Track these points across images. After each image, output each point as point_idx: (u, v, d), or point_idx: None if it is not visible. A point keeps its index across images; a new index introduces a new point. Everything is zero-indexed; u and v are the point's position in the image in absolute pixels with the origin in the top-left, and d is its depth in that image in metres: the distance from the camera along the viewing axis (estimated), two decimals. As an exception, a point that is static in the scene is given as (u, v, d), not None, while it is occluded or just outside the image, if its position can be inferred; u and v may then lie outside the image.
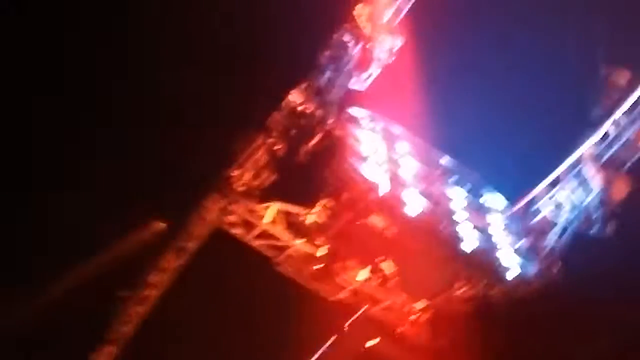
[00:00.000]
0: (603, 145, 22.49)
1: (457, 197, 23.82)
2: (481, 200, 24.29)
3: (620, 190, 22.28)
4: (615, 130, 22.36)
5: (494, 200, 24.36)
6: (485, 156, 24.61)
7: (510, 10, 25.00)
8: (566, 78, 24.60)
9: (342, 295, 24.18)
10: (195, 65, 25.32)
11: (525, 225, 23.47)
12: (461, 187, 24.15)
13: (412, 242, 22.55)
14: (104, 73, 25.59)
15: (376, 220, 22.52)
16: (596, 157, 22.46)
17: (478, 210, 23.81)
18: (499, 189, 24.30)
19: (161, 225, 24.42)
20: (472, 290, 23.02)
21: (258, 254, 23.90)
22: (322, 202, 23.12)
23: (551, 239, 22.84)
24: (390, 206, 22.02)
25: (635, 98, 22.09)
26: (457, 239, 22.62)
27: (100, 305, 24.24)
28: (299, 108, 22.70)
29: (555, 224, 22.92)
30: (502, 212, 24.00)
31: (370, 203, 22.11)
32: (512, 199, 23.85)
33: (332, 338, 24.69)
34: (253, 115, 23.01)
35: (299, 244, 23.61)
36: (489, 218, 23.76)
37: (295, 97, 22.79)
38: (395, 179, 22.80)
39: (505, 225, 23.64)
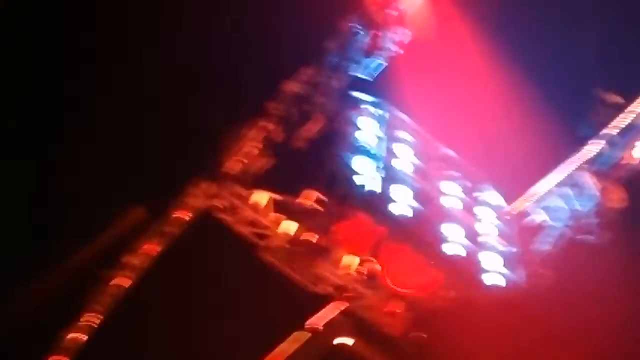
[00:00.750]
0: (601, 153, 22.67)
1: (452, 193, 23.38)
2: (478, 198, 23.82)
3: (616, 199, 22.48)
4: (609, 145, 22.57)
5: (490, 198, 23.98)
6: (487, 155, 24.16)
7: (524, 15, 24.85)
8: (563, 89, 24.67)
9: (325, 288, 23.64)
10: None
11: (517, 228, 23.32)
12: (458, 183, 23.68)
13: (397, 240, 22.21)
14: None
15: (362, 217, 22.27)
16: (594, 164, 22.65)
17: (471, 210, 23.46)
18: (497, 189, 23.98)
19: (143, 210, 23.47)
20: (451, 293, 22.88)
21: (244, 240, 23.13)
22: (312, 193, 22.73)
23: (543, 244, 22.80)
24: (376, 204, 21.50)
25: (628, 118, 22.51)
26: (442, 240, 22.28)
27: (79, 292, 23.06)
28: (301, 93, 22.08)
29: (548, 229, 22.90)
30: (496, 212, 23.67)
31: (357, 200, 21.69)
32: (509, 200, 23.69)
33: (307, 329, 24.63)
34: (249, 99, 22.38)
35: (286, 234, 22.93)
36: (482, 218, 23.43)
37: (297, 81, 22.18)
38: (387, 174, 22.35)
39: (497, 226, 23.36)
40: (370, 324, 24.11)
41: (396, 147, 22.97)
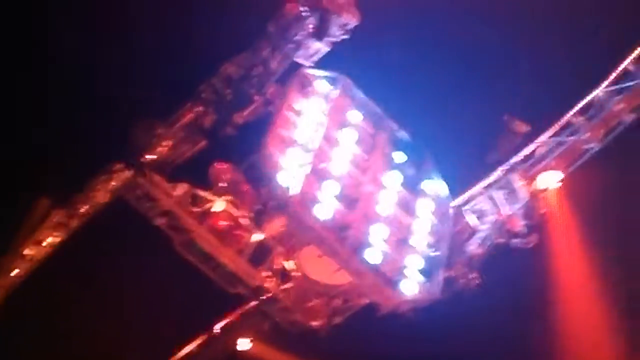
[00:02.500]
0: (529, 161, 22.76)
1: (392, 186, 22.34)
2: (420, 189, 22.86)
3: (543, 204, 22.46)
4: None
5: (434, 188, 23.00)
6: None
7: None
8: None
9: (239, 288, 22.50)
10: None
11: (451, 226, 22.66)
12: (402, 171, 22.65)
13: (316, 245, 21.26)
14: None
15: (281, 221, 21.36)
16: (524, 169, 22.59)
17: (408, 205, 22.52)
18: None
19: (48, 198, 21.84)
20: (363, 300, 22.12)
21: (160, 233, 21.75)
22: (231, 191, 21.64)
23: (471, 246, 22.41)
24: (296, 209, 20.52)
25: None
26: (362, 245, 21.35)
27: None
28: (237, 75, 21.00)
29: (477, 231, 22.53)
30: (436, 205, 22.75)
31: (276, 204, 20.87)
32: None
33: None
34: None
35: (203, 231, 21.67)
36: (419, 213, 22.51)
37: (234, 63, 21.13)
38: (316, 169, 21.30)
39: (431, 223, 22.55)
40: (284, 324, 23.03)
41: (339, 133, 22.02)
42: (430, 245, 22.26)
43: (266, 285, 22.26)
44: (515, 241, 22.67)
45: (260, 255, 22.00)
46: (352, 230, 21.08)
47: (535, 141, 23.47)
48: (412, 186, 22.78)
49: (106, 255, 23.70)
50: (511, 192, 22.69)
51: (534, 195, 22.72)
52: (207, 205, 21.78)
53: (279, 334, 23.63)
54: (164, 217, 21.67)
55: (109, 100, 22.78)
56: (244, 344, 24.49)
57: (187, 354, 24.67)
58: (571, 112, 23.27)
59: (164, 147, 21.27)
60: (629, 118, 23.00)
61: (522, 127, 23.38)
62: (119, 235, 22.99)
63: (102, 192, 21.62)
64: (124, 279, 24.01)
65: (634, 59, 22.77)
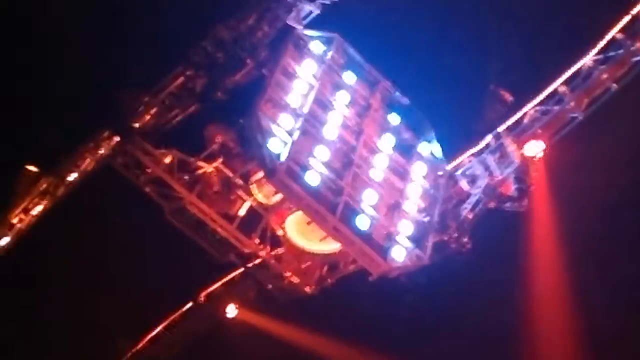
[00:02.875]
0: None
1: (386, 150, 22.12)
2: (415, 152, 22.68)
3: (535, 169, 22.53)
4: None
5: (430, 151, 22.86)
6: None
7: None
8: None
9: (230, 256, 22.46)
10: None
11: (444, 190, 22.57)
12: (397, 135, 22.43)
13: (304, 212, 21.12)
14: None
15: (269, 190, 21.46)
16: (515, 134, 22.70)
17: (401, 170, 22.27)
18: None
19: (34, 167, 21.62)
20: (350, 267, 22.06)
21: (148, 200, 21.63)
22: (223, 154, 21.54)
23: (463, 210, 22.41)
24: (282, 178, 20.18)
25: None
26: (354, 213, 21.22)
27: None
28: (229, 38, 20.77)
29: (468, 196, 22.53)
30: (430, 169, 22.58)
31: (264, 172, 20.54)
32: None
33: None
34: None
35: (193, 198, 21.56)
36: (412, 177, 22.34)
37: (226, 26, 20.88)
38: (308, 136, 21.02)
39: (423, 188, 22.42)
40: (275, 291, 23.01)
41: (332, 96, 21.76)
42: (421, 210, 22.15)
43: (257, 252, 22.22)
44: (507, 205, 22.65)
45: (251, 222, 21.90)
46: (342, 197, 20.90)
47: (522, 110, 23.44)
48: (406, 149, 22.66)
49: (93, 223, 23.39)
50: (503, 156, 22.63)
51: (525, 160, 22.67)
52: (198, 172, 21.66)
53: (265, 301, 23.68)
54: (153, 185, 21.59)
55: (96, 67, 22.40)
56: (230, 311, 24.57)
57: (172, 322, 24.73)
58: (557, 82, 23.28)
59: (152, 113, 21.07)
60: (612, 88, 22.99)
61: (507, 97, 23.42)
62: (106, 203, 22.65)
63: (90, 160, 21.44)
64: (111, 247, 23.74)
65: (621, 28, 22.75)
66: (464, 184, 22.75)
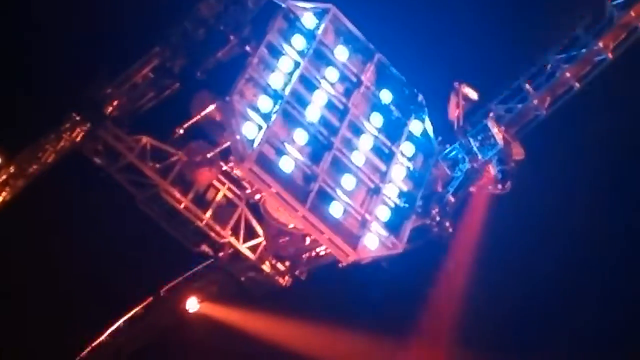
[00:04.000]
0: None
1: (372, 131, 21.61)
2: (404, 131, 22.12)
3: (517, 152, 22.68)
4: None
5: (420, 128, 22.38)
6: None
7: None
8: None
9: (203, 246, 22.08)
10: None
11: (426, 175, 22.18)
12: (386, 115, 21.94)
13: (274, 199, 20.81)
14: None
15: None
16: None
17: (386, 151, 21.75)
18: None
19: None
20: (329, 254, 21.66)
21: (120, 188, 21.09)
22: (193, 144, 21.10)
23: (447, 194, 22.38)
24: (252, 166, 19.69)
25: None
26: (327, 200, 20.89)
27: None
28: (211, 13, 20.24)
29: (452, 179, 22.52)
30: (418, 148, 22.21)
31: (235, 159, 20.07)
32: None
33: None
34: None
35: (167, 186, 21.12)
36: (398, 159, 21.84)
37: (207, 4, 20.30)
38: (287, 118, 20.48)
39: (408, 170, 22.00)
40: (247, 283, 22.66)
41: (319, 73, 21.09)
42: (402, 194, 21.85)
43: (231, 242, 21.86)
44: (490, 188, 22.73)
45: (225, 212, 21.54)
46: (316, 184, 20.45)
47: (485, 107, 23.63)
48: (395, 128, 22.19)
49: (55, 215, 22.65)
50: (486, 139, 22.68)
51: (508, 143, 22.76)
52: (171, 159, 21.22)
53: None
54: (125, 172, 21.06)
55: (67, 49, 21.72)
56: (192, 305, 24.06)
57: (132, 316, 24.08)
58: (521, 80, 23.57)
59: (124, 97, 20.50)
60: (575, 86, 23.35)
61: (472, 93, 23.53)
62: (69, 193, 21.97)
63: (50, 152, 20.73)
64: (74, 236, 23.02)
65: (584, 27, 23.15)
66: (446, 167, 22.68)
